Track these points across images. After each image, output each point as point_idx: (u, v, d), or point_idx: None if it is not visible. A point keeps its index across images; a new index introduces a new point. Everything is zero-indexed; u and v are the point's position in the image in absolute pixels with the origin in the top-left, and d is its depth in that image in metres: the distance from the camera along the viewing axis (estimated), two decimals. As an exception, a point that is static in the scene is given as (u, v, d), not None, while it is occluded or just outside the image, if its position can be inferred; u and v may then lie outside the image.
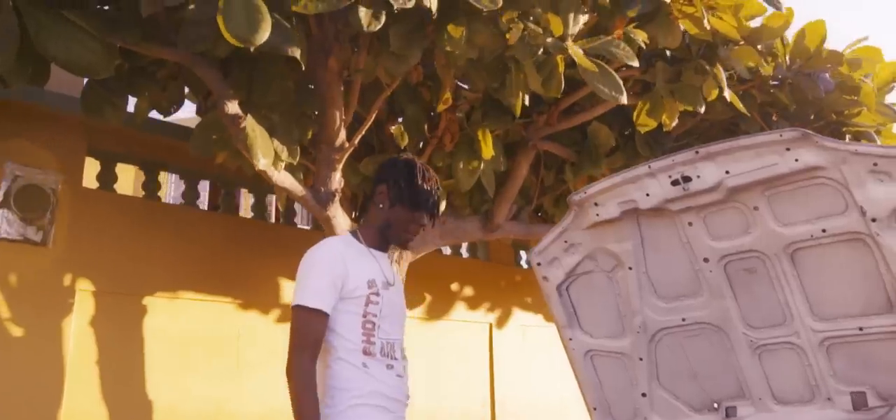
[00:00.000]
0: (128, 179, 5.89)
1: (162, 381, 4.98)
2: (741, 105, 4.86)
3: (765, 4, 5.03)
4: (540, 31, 3.96)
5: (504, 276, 7.33)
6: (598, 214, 3.06)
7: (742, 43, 5.13)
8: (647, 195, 2.91)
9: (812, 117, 5.80)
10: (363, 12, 3.48)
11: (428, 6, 3.52)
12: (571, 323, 3.37)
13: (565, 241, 3.21)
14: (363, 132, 4.34)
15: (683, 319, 3.13)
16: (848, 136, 5.79)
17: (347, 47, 4.10)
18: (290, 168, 4.36)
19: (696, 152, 2.75)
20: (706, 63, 4.94)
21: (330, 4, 3.29)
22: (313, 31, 4.13)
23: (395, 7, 3.39)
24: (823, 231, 2.69)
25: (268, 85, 4.08)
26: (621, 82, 4.12)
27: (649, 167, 2.85)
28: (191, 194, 5.60)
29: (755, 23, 5.29)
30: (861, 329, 2.74)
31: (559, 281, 3.30)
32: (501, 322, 7.26)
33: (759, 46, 5.43)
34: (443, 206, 4.96)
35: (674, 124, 5.03)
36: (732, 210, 2.84)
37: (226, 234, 5.48)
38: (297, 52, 3.42)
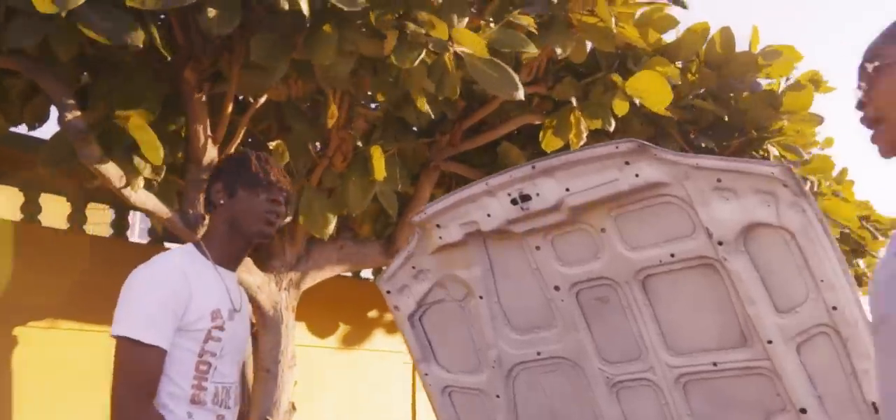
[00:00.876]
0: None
1: (34, 414, 4.61)
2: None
3: (677, 17, 4.80)
4: (421, 31, 3.67)
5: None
6: (440, 238, 2.77)
7: (656, 58, 4.89)
8: (489, 216, 2.63)
9: (736, 134, 5.57)
10: (211, 13, 3.19)
11: (286, 8, 3.24)
12: (426, 357, 3.07)
13: (413, 267, 2.92)
14: (232, 149, 4.03)
15: (539, 353, 2.84)
16: (774, 154, 5.55)
17: (208, 58, 3.80)
18: (159, 188, 4.05)
19: (533, 167, 2.47)
20: (615, 77, 4.69)
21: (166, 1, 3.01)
22: (180, 39, 3.84)
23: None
24: (672, 256, 2.42)
25: (130, 95, 3.76)
26: (516, 77, 3.82)
27: (487, 184, 2.57)
28: (79, 216, 5.26)
29: (670, 37, 5.07)
30: (715, 364, 2.46)
31: (410, 310, 3.01)
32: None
33: (678, 63, 5.21)
34: (288, 211, 4.64)
35: (582, 143, 4.77)
36: (580, 232, 2.56)
37: (107, 258, 5.13)
38: (139, 40, 3.11)
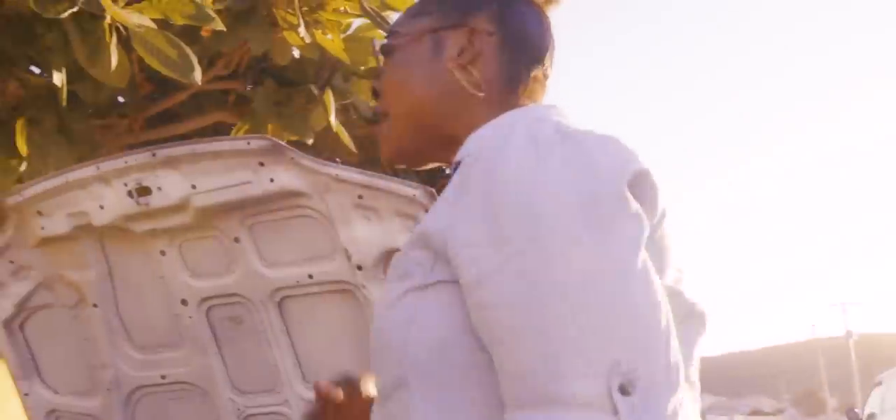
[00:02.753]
0: None
1: None
2: (349, 140, 4.42)
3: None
4: None
5: None
6: (43, 227, 2.25)
7: (365, 80, 4.73)
8: (102, 208, 2.17)
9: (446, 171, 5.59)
10: None
11: None
12: (28, 373, 2.50)
13: (11, 262, 2.36)
14: None
15: (164, 376, 2.42)
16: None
17: None
18: None
19: (154, 154, 2.07)
20: (320, 89, 4.44)
21: None
22: None
23: None
24: (310, 277, 2.15)
25: None
26: (195, 60, 3.36)
27: (97, 168, 2.11)
28: None
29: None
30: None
31: (7, 315, 2.43)
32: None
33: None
34: None
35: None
36: (211, 239, 2.20)
37: None
38: None
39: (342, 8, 4.16)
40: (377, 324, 0.99)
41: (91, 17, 3.24)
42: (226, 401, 2.38)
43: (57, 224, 2.23)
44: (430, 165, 1.13)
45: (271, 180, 2.01)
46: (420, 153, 1.09)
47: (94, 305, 2.36)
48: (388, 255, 2.04)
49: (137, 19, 3.14)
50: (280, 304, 2.22)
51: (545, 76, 1.05)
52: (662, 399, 0.74)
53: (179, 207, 2.11)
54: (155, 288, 2.31)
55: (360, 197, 1.99)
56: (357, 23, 4.54)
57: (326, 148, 4.76)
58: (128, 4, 3.27)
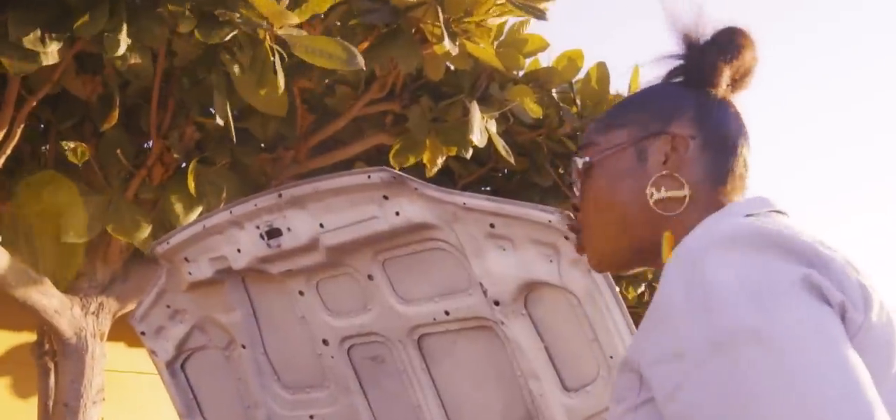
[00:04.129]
0: None
1: None
2: (501, 146, 4.23)
3: (546, 39, 4.44)
4: (236, 14, 3.18)
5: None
6: (190, 274, 2.27)
7: (521, 84, 4.53)
8: (239, 251, 2.14)
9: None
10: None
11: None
12: (191, 412, 2.56)
13: (167, 306, 2.41)
14: (9, 148, 3.45)
15: (312, 417, 2.36)
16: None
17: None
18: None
19: (280, 195, 2.00)
20: (478, 102, 4.30)
21: None
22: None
23: None
24: (447, 314, 1.98)
25: None
26: (358, 53, 3.33)
27: (231, 213, 2.08)
28: None
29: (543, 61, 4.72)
30: (496, 448, 2.03)
31: (169, 357, 2.49)
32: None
33: (554, 91, 4.87)
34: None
35: (436, 168, 4.36)
36: (346, 278, 2.10)
37: None
38: None
39: (491, 12, 3.99)
40: None
41: (251, 44, 3.30)
42: (373, 442, 2.28)
43: (202, 269, 2.24)
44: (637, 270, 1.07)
45: (397, 213, 1.87)
46: (628, 261, 1.04)
47: (243, 346, 2.35)
48: (526, 289, 1.84)
49: (295, 31, 3.17)
50: (419, 342, 2.08)
51: (746, 166, 1.01)
52: None
53: (310, 247, 2.03)
54: (297, 328, 2.26)
55: (491, 226, 1.80)
56: (509, 23, 4.36)
57: (490, 157, 4.61)
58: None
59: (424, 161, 4.35)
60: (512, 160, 4.33)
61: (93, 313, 4.18)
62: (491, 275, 1.84)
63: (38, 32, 2.97)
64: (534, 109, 4.38)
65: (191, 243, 2.21)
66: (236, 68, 3.45)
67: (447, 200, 1.81)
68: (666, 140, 0.97)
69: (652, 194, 0.96)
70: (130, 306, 4.43)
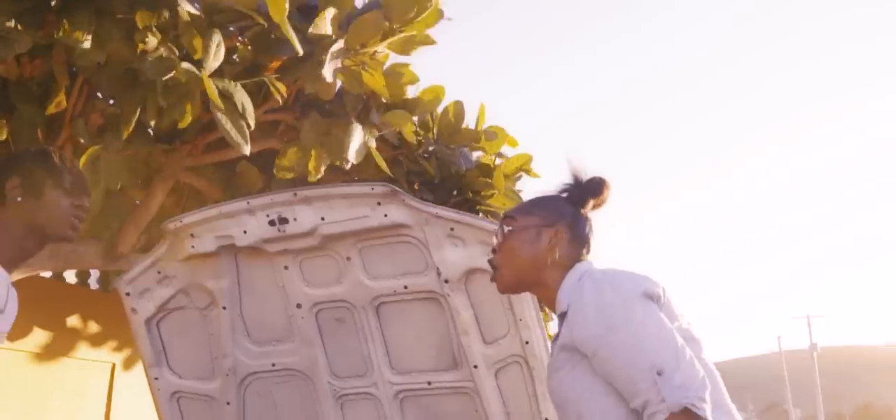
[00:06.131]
0: None
1: None
2: (384, 164, 5.05)
3: (417, 74, 5.33)
4: (175, 53, 3.73)
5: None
6: (193, 246, 2.88)
7: (399, 110, 5.37)
8: (245, 232, 2.81)
9: (454, 192, 6.26)
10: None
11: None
12: (159, 361, 3.12)
13: (159, 272, 2.98)
14: (-51, 121, 3.69)
15: (274, 364, 3.05)
16: (481, 214, 6.32)
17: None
18: None
19: (295, 194, 2.72)
20: (358, 121, 5.07)
21: None
22: None
23: None
24: (405, 287, 2.80)
25: None
26: (246, 131, 4.01)
27: (248, 203, 2.76)
28: None
29: (411, 93, 5.60)
30: (430, 383, 2.88)
31: (149, 315, 3.05)
32: (129, 363, 6.64)
33: (415, 117, 5.75)
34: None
35: (320, 175, 5.07)
36: (327, 258, 2.84)
37: None
38: None
39: (379, 49, 4.83)
40: (554, 385, 1.79)
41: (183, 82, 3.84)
42: (325, 384, 3.02)
43: (205, 244, 2.85)
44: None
45: (385, 215, 2.67)
46: (520, 289, 1.94)
47: (224, 307, 2.98)
48: (468, 272, 2.71)
49: (213, 88, 3.77)
50: (378, 308, 2.87)
51: (589, 249, 1.89)
52: (677, 373, 1.57)
53: (309, 234, 2.75)
54: (275, 295, 2.95)
55: (451, 229, 2.66)
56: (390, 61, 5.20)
57: (367, 171, 5.39)
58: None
59: (309, 168, 5.05)
60: (390, 173, 5.16)
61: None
62: (445, 262, 2.69)
63: (13, 23, 3.33)
64: (408, 133, 5.26)
65: (200, 224, 2.82)
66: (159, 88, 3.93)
67: (423, 210, 2.64)
68: (552, 231, 1.84)
69: (548, 256, 1.83)
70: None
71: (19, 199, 1.95)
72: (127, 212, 5.04)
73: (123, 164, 4.75)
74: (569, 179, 1.94)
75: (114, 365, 6.48)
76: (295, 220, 2.74)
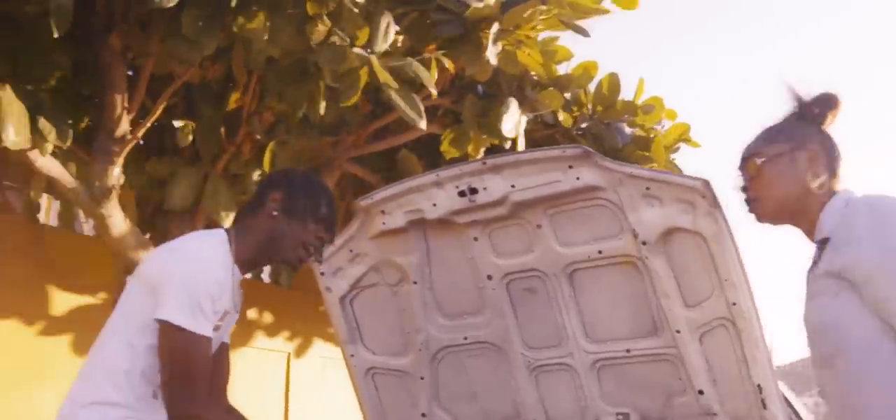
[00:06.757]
0: None
1: None
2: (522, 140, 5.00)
3: (571, 51, 5.24)
4: (346, 39, 3.84)
5: (307, 303, 7.04)
6: (384, 223, 2.93)
7: (550, 88, 5.30)
8: (434, 205, 2.83)
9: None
10: (153, -17, 3.19)
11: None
12: (354, 338, 3.21)
13: (351, 250, 3.06)
14: (149, 123, 3.97)
15: (466, 338, 3.06)
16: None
17: (135, 28, 3.76)
18: (59, 156, 3.90)
19: (484, 163, 2.71)
20: (514, 100, 5.04)
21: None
22: (98, 6, 3.76)
23: None
24: (599, 252, 2.73)
25: (36, 56, 3.63)
26: (422, 107, 4.08)
27: (437, 176, 2.78)
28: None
29: (562, 69, 5.51)
30: (628, 351, 2.80)
31: (343, 293, 3.14)
32: (300, 352, 6.95)
33: (566, 95, 5.66)
34: None
35: (479, 157, 5.08)
36: (516, 227, 2.82)
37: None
38: None
39: (538, 28, 4.76)
40: (812, 311, 1.70)
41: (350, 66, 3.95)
42: (518, 355, 3.00)
43: (395, 219, 2.91)
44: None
45: (577, 178, 2.61)
46: (780, 220, 1.84)
47: (414, 282, 3.02)
48: (667, 233, 2.61)
49: (381, 67, 3.84)
50: (571, 276, 2.82)
51: (839, 174, 1.80)
52: None
53: (499, 203, 2.74)
54: (464, 267, 2.96)
55: (647, 188, 2.56)
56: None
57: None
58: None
59: (468, 150, 5.07)
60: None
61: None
62: (642, 223, 2.60)
63: (201, 25, 3.54)
64: (564, 115, 5.19)
65: (391, 199, 2.88)
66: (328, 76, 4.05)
67: (617, 170, 2.56)
68: (808, 153, 1.76)
69: (809, 179, 1.75)
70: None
71: (275, 214, 2.05)
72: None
73: (295, 157, 4.95)
74: (791, 105, 1.85)
75: (289, 355, 6.80)
76: (484, 189, 2.73)
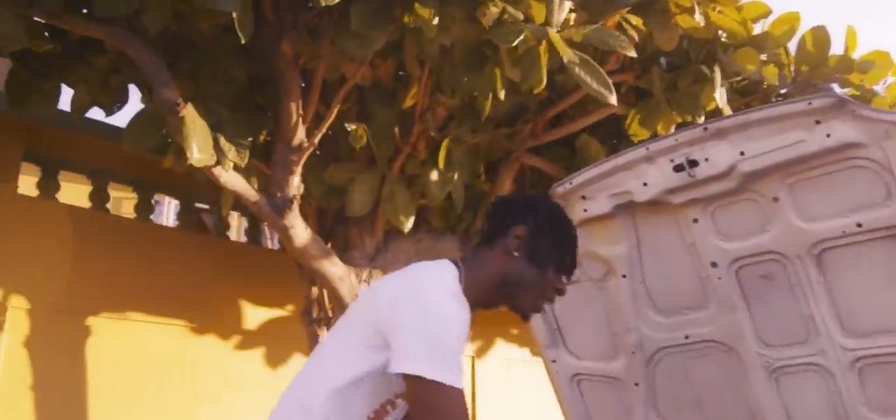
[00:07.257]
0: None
1: (104, 407, 4.43)
2: (728, 112, 4.43)
3: (768, 5, 4.63)
4: (520, 15, 3.53)
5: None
6: (585, 210, 2.58)
7: (745, 47, 4.71)
8: (645, 185, 2.44)
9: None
10: (319, -17, 3.05)
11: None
12: (555, 342, 2.88)
13: (548, 244, 2.73)
14: (324, 129, 3.87)
15: (687, 337, 2.64)
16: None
17: (304, 34, 3.66)
18: (241, 171, 3.89)
19: (705, 128, 2.29)
20: (705, 67, 4.52)
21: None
22: (269, 16, 3.70)
23: None
24: (859, 226, 2.22)
25: (215, 74, 3.62)
26: (610, 81, 3.68)
27: (647, 149, 2.39)
28: (144, 207, 5.10)
29: (758, 28, 4.90)
30: (903, 346, 2.26)
31: (540, 293, 2.81)
32: (483, 354, 6.73)
33: (763, 56, 5.03)
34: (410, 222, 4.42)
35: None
36: (747, 202, 2.37)
37: (181, 250, 4.98)
38: (230, 6, 2.95)
39: (733, -18, 4.21)
40: None
41: (527, 44, 3.63)
42: (753, 355, 2.54)
43: (599, 205, 2.55)
44: None
45: (828, 136, 2.12)
46: None
47: (623, 276, 2.65)
48: None
49: (561, 41, 3.48)
50: (819, 257, 2.33)
51: None
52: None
53: (724, 175, 2.31)
54: (682, 254, 2.54)
55: (926, 140, 2.04)
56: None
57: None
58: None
59: (658, 129, 4.59)
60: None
61: (364, 281, 4.59)
62: (919, 185, 2.07)
63: (369, 19, 3.37)
64: (771, 75, 4.57)
65: (592, 182, 2.52)
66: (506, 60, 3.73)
67: (883, 119, 2.05)
68: None
69: None
70: (379, 275, 4.84)
71: (516, 254, 1.69)
72: (477, 202, 5.01)
73: (472, 152, 4.71)
74: None
75: (473, 358, 6.61)
76: (706, 160, 2.31)
